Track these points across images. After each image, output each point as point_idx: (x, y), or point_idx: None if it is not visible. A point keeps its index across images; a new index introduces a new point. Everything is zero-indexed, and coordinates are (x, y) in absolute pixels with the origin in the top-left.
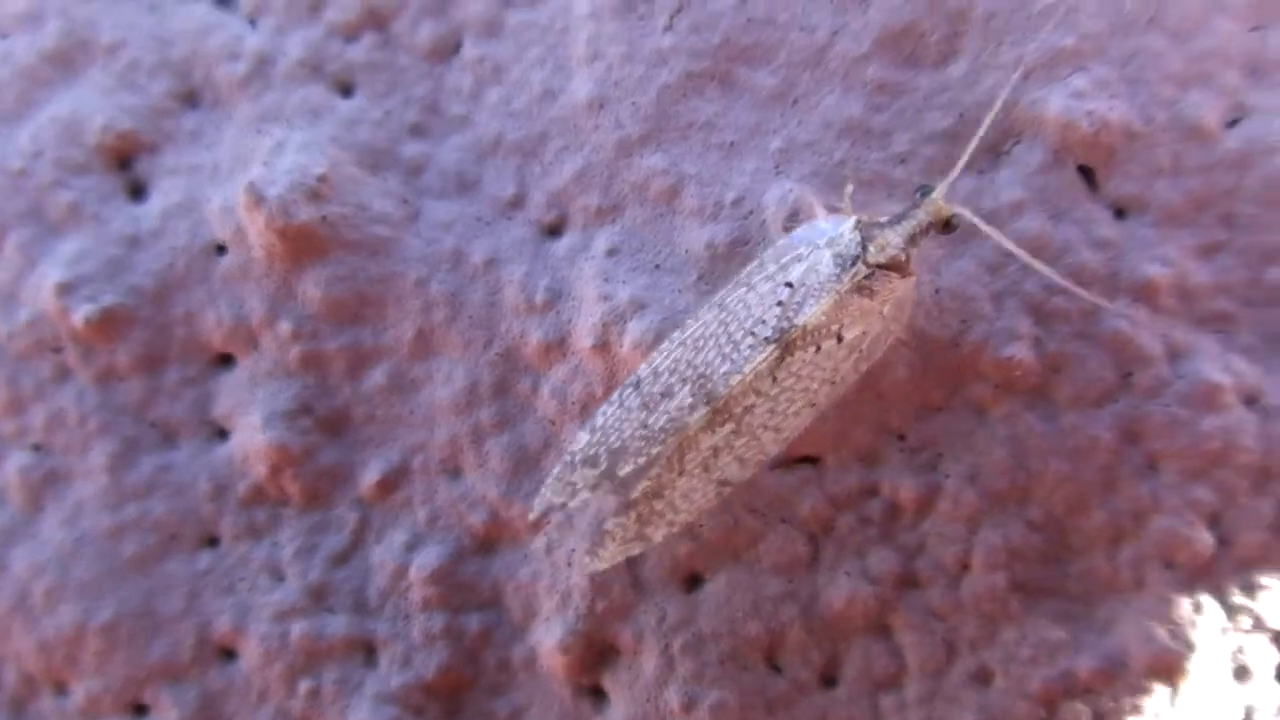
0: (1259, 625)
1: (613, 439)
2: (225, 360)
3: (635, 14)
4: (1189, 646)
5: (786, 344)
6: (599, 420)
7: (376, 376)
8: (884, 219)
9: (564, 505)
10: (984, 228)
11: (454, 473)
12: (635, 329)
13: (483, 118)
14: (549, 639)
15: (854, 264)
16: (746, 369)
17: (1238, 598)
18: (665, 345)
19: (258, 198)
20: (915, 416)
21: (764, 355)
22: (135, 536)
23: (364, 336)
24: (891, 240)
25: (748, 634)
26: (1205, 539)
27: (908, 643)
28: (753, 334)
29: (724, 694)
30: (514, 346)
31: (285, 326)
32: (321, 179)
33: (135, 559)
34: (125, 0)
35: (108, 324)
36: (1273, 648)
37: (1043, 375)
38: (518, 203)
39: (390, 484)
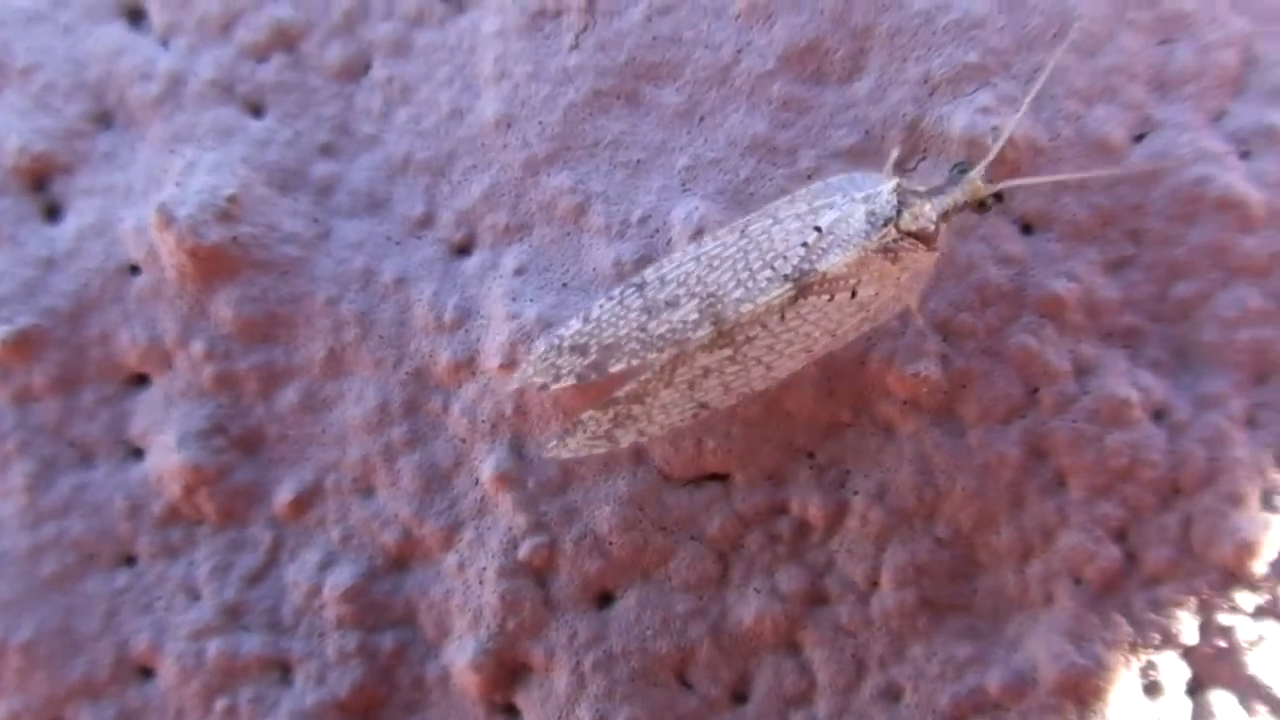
0: (1168, 641)
1: (606, 334)
2: (140, 380)
3: (542, 33)
4: (1098, 663)
5: (803, 286)
6: (594, 311)
7: (289, 396)
8: (923, 189)
9: (544, 386)
10: (1027, 182)
11: (366, 491)
12: (541, 348)
13: (392, 137)
14: (461, 657)
15: (885, 225)
16: (760, 300)
17: (1147, 614)
18: (677, 256)
19: (168, 218)
20: (823, 434)
21: (779, 291)
22: (54, 556)
23: (276, 356)
24: (926, 211)
25: (658, 651)
26: (1113, 554)
27: (817, 659)
28: (772, 268)
29: (635, 711)
30: (424, 365)
31: (198, 346)
32: (232, 199)
33: (54, 578)
34: (40, 22)
35: (24, 344)
36: (1183, 664)
37: (950, 392)
38: (427, 221)
39: (304, 503)
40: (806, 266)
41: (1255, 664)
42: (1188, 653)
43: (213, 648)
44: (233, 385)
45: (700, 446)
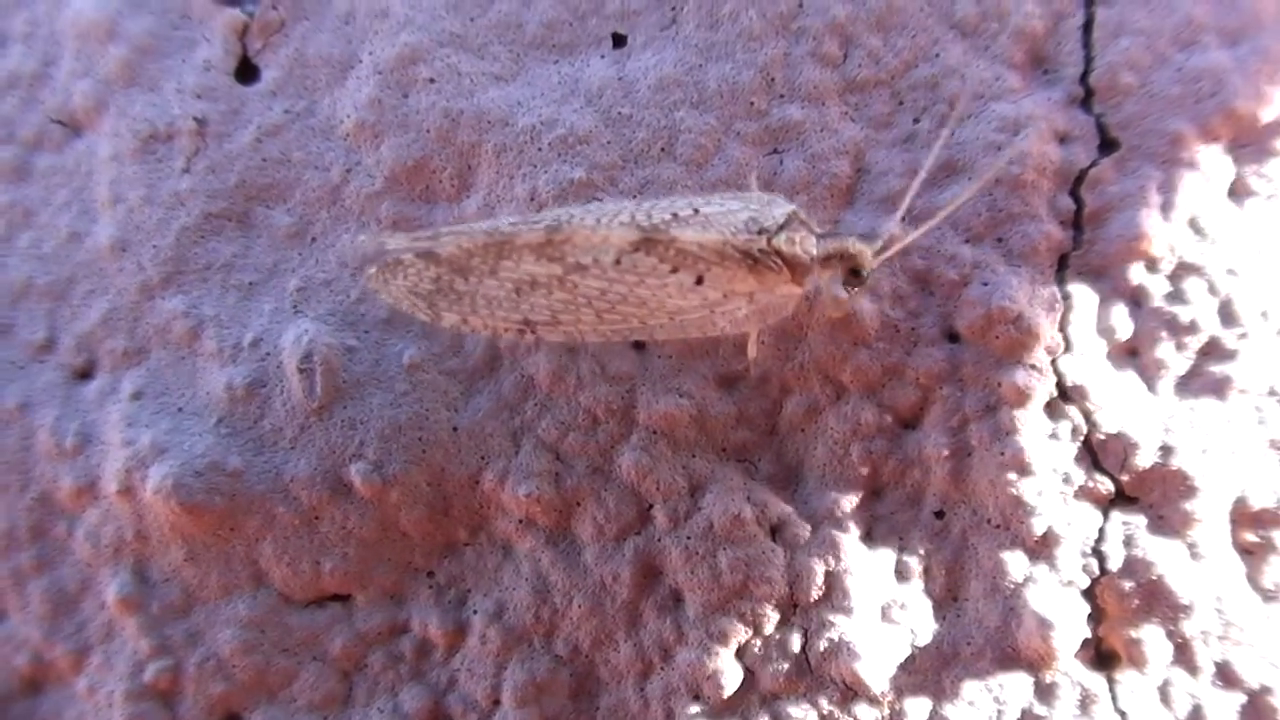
0: None
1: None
2: None
3: (155, 156)
4: None
5: (648, 239)
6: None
7: None
8: (820, 230)
9: (384, 245)
10: (915, 234)
11: None
12: (156, 474)
13: (14, 261)
14: None
15: (760, 234)
16: (600, 231)
17: None
18: (579, 209)
19: None
20: (442, 553)
21: (622, 232)
22: None
23: None
24: (805, 243)
25: None
26: (732, 671)
27: None
28: (634, 217)
29: None
30: (48, 491)
31: None
32: None
33: None
34: None
35: None
36: None
37: (564, 511)
38: (49, 347)
39: None
40: (662, 226)
41: None
42: None
43: None
44: None
45: (318, 568)
